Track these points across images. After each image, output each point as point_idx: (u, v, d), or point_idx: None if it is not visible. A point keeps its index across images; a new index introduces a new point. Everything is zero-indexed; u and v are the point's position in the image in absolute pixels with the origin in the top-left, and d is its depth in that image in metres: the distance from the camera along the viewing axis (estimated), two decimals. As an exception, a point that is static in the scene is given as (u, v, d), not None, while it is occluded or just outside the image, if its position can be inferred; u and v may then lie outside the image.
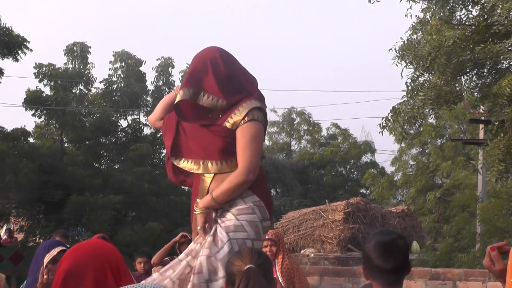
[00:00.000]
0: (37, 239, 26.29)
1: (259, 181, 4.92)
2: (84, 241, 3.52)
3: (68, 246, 5.93)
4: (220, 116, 4.85)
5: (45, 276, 5.56)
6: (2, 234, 27.37)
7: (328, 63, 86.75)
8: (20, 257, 25.36)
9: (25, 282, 6.18)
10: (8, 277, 25.73)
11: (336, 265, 20.54)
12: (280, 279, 8.20)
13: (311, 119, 43.17)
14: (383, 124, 11.80)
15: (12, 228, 27.16)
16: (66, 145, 28.64)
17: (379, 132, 11.93)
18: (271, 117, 44.26)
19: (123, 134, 29.14)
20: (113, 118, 28.38)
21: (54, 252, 5.66)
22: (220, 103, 4.81)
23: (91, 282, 3.02)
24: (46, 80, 26.40)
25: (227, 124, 4.79)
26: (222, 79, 4.81)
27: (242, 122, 4.76)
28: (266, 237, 7.95)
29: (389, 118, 11.72)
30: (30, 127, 28.09)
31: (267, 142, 44.15)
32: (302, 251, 21.54)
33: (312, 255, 21.12)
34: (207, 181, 4.91)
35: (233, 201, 4.86)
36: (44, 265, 5.65)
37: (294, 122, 43.83)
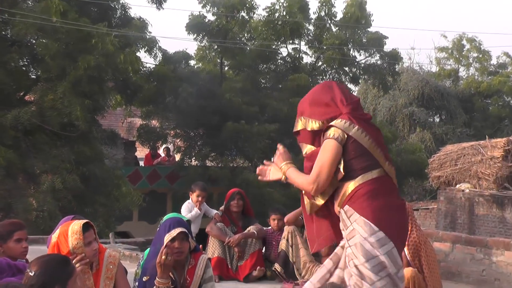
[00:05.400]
0: (193, 161, 27.00)
1: (358, 195, 5.24)
2: None
3: (188, 223, 6.04)
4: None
5: (163, 257, 5.71)
6: (160, 152, 28.36)
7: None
8: (176, 176, 26.28)
9: (147, 251, 6.35)
10: (164, 194, 26.82)
11: (490, 203, 20.18)
12: (406, 252, 8.08)
13: (481, 47, 41.76)
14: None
15: (170, 147, 28.05)
16: (226, 69, 29.00)
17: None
18: (440, 42, 43.57)
19: (283, 62, 29.16)
20: (274, 46, 28.43)
21: (174, 232, 5.82)
22: (317, 124, 5.48)
23: None
24: (208, 6, 26.66)
25: None
26: (317, 104, 5.54)
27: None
28: None
29: None
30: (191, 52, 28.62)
31: (434, 68, 43.45)
32: (457, 186, 21.37)
33: (467, 190, 20.91)
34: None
35: (346, 224, 5.26)
36: (164, 244, 5.79)
37: (464, 49, 42.54)
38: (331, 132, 5.29)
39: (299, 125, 5.59)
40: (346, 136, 5.27)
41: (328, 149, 5.27)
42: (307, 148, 5.57)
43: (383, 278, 5.12)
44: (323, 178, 5.24)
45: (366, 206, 5.19)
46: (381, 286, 5.10)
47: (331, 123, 5.33)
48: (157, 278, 5.75)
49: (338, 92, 5.52)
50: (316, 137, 5.49)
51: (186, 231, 5.91)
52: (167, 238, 5.78)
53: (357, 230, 5.16)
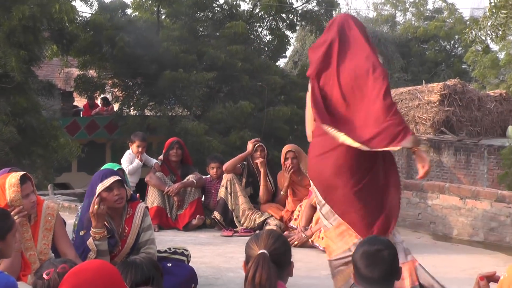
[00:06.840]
0: (131, 110, 26.82)
1: None
2: (85, 262, 3.46)
3: (120, 177, 6.01)
4: None
5: (95, 206, 5.70)
6: (98, 102, 28.12)
7: None
8: (115, 126, 26.12)
9: (82, 203, 6.34)
10: (103, 144, 26.68)
11: (427, 147, 20.49)
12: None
13: (417, -9, 42.03)
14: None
15: (108, 97, 27.81)
16: (163, 17, 28.65)
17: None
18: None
19: (220, 9, 28.91)
20: (211, -7, 28.17)
21: (107, 182, 5.78)
22: None
23: None
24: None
25: None
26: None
27: None
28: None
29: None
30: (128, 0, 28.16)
31: (371, 14, 43.53)
32: (396, 131, 21.58)
33: (406, 135, 21.18)
34: None
35: None
36: (97, 194, 5.78)
37: (400, -7, 42.79)
38: None
39: None
40: None
41: None
42: None
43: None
44: None
45: None
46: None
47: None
48: (92, 228, 5.76)
49: None
50: None
51: (120, 178, 5.91)
52: (100, 188, 5.76)
53: None
